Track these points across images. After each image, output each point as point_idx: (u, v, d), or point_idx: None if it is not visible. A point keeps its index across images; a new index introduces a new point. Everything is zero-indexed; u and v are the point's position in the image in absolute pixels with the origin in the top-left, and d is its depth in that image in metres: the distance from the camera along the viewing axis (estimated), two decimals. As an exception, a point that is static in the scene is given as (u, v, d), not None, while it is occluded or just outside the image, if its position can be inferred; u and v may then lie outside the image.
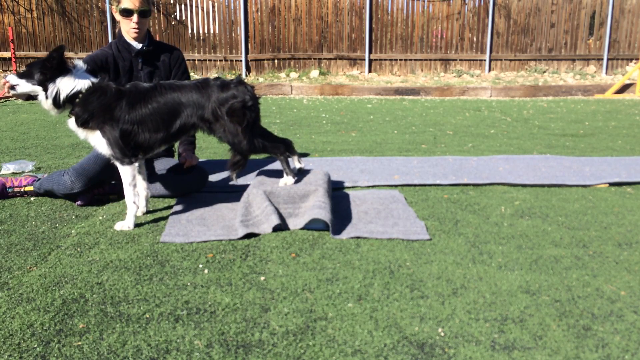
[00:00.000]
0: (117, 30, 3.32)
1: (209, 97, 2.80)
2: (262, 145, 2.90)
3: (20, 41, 10.63)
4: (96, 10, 10.68)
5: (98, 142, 2.80)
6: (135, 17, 3.16)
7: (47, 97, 2.72)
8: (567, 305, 2.03)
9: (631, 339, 1.81)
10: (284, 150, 2.96)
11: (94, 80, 2.78)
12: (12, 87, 2.73)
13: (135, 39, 3.24)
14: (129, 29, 3.21)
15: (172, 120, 2.81)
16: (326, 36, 11.07)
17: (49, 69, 2.69)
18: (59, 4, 10.62)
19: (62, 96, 2.72)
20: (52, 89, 2.70)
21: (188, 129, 2.86)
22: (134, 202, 2.83)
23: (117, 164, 2.83)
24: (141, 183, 2.99)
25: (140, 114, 2.77)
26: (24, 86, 2.72)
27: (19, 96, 2.83)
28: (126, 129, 2.76)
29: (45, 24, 10.67)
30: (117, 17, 3.22)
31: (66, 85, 2.72)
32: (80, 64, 2.81)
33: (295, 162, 3.05)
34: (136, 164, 2.84)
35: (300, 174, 3.05)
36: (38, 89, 2.72)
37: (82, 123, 2.77)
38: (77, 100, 2.74)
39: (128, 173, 2.82)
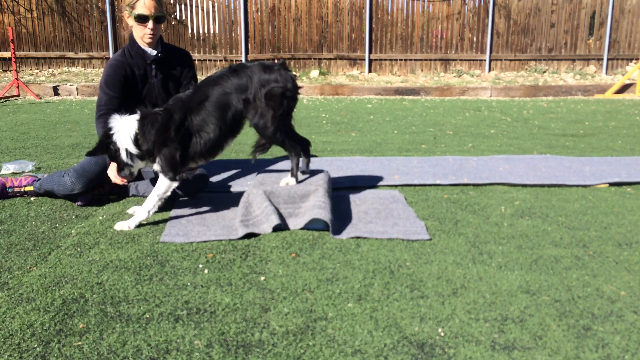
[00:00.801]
0: (128, 36, 3.24)
1: (250, 78, 2.77)
2: (282, 139, 2.87)
3: (20, 41, 10.63)
4: (96, 10, 10.68)
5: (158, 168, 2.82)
6: (150, 24, 3.10)
7: (133, 161, 2.79)
8: (567, 305, 2.03)
9: (631, 339, 1.81)
10: (298, 152, 2.95)
11: (138, 116, 2.77)
12: (130, 175, 2.89)
13: (149, 44, 3.18)
14: (143, 35, 3.13)
15: (225, 113, 2.77)
16: (326, 36, 11.07)
17: (106, 148, 2.76)
18: (59, 4, 10.62)
19: (132, 150, 2.75)
20: (122, 154, 2.76)
21: (241, 116, 2.82)
22: (149, 212, 2.82)
23: (161, 175, 2.82)
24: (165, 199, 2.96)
25: (195, 123, 2.76)
26: (129, 168, 2.85)
27: (129, 177, 2.92)
28: (185, 143, 2.76)
29: (45, 24, 10.66)
30: (130, 22, 3.14)
31: (123, 141, 2.74)
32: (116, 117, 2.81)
33: (303, 165, 3.04)
34: (177, 183, 2.83)
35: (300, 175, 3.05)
36: (135, 163, 2.81)
37: (150, 156, 2.79)
38: (138, 142, 2.75)
39: (165, 186, 2.82)
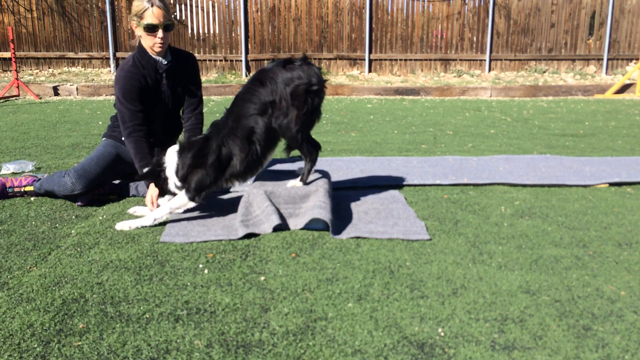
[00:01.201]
0: (137, 44, 3.16)
1: (274, 81, 2.71)
2: (301, 142, 2.81)
3: (20, 41, 10.63)
4: (96, 10, 10.68)
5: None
6: (160, 32, 3.04)
7: (178, 188, 2.86)
8: (567, 305, 2.03)
9: (631, 339, 1.81)
10: (314, 158, 2.90)
11: (176, 147, 2.85)
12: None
13: (159, 53, 3.13)
14: (153, 44, 3.07)
15: (259, 130, 2.75)
16: (326, 36, 11.07)
17: (157, 175, 2.87)
18: (59, 4, 10.62)
19: (177, 182, 2.84)
20: (171, 185, 2.86)
21: (271, 125, 2.77)
22: (155, 220, 2.82)
23: (184, 191, 2.84)
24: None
25: (231, 147, 2.77)
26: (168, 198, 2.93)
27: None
28: (223, 168, 2.78)
29: (45, 24, 10.67)
30: (139, 32, 3.08)
31: (170, 172, 2.84)
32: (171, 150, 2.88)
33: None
34: (194, 204, 2.85)
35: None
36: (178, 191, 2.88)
37: (183, 181, 2.83)
38: (178, 171, 2.82)
39: (181, 203, 2.84)
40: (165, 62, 3.16)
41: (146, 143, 3.10)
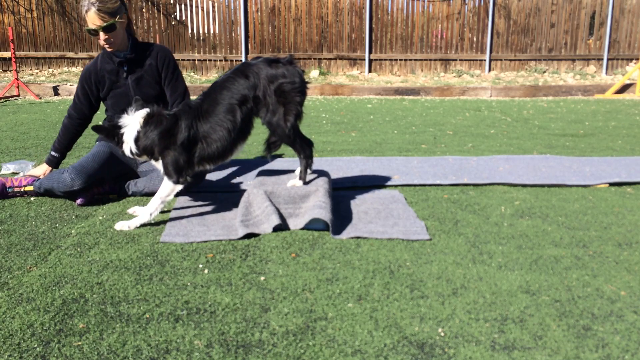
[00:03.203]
0: None
1: (257, 75, 2.75)
2: (293, 138, 2.85)
3: (20, 41, 10.63)
4: (96, 10, 10.68)
5: (159, 167, 2.85)
6: (101, 35, 3.11)
7: (133, 157, 2.86)
8: (567, 305, 2.03)
9: (631, 339, 1.81)
10: (308, 154, 2.92)
11: (143, 113, 2.81)
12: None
13: (112, 51, 3.22)
14: (101, 46, 3.20)
15: (234, 117, 2.76)
16: (326, 36, 11.08)
17: (112, 137, 2.85)
18: (59, 4, 10.62)
19: (133, 149, 2.81)
20: (126, 150, 2.83)
21: (250, 117, 2.81)
22: (151, 214, 2.82)
23: (165, 178, 2.83)
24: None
25: (202, 129, 2.77)
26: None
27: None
28: (191, 148, 2.77)
29: (45, 24, 10.67)
30: None
31: (129, 137, 2.81)
32: (133, 105, 2.90)
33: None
34: (180, 186, 2.83)
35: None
36: (136, 158, 2.89)
37: (148, 154, 2.82)
38: (139, 138, 2.79)
39: (169, 189, 2.82)
40: (122, 55, 3.24)
41: (71, 132, 3.41)
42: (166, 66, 3.33)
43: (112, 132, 2.84)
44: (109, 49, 3.19)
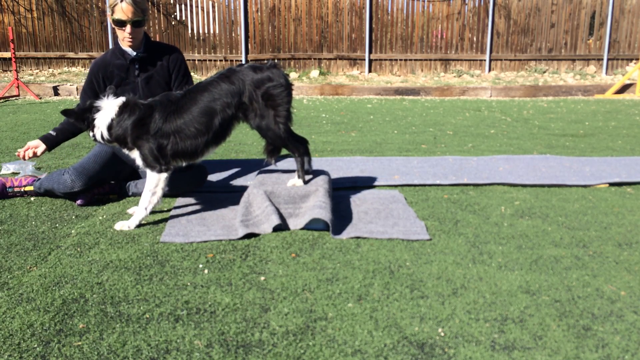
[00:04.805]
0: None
1: (242, 82, 2.77)
2: (286, 139, 2.87)
3: (20, 41, 10.63)
4: (96, 10, 10.68)
5: (135, 156, 2.85)
6: (128, 28, 3.13)
7: (103, 139, 2.85)
8: (567, 305, 2.03)
9: (631, 339, 1.81)
10: (302, 152, 2.94)
11: (120, 102, 2.81)
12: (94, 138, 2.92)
13: (130, 47, 3.23)
14: (122, 38, 3.20)
15: (210, 120, 2.78)
16: (326, 36, 11.07)
17: (82, 120, 2.85)
18: (59, 4, 10.62)
19: (105, 135, 2.82)
20: (97, 134, 2.83)
21: (229, 123, 2.84)
22: (146, 209, 2.82)
23: (147, 170, 2.83)
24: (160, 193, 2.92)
25: (175, 123, 2.77)
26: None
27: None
28: (162, 141, 2.78)
29: (45, 24, 10.67)
30: (112, 24, 3.21)
31: (101, 122, 2.81)
32: (107, 92, 2.90)
33: (305, 164, 3.04)
34: (165, 174, 2.83)
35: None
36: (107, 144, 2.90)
37: (121, 143, 2.83)
38: (112, 126, 2.80)
39: (154, 180, 2.82)
40: (135, 53, 3.24)
41: (73, 125, 3.20)
42: (177, 69, 3.36)
43: (81, 116, 2.84)
44: (128, 43, 3.20)
